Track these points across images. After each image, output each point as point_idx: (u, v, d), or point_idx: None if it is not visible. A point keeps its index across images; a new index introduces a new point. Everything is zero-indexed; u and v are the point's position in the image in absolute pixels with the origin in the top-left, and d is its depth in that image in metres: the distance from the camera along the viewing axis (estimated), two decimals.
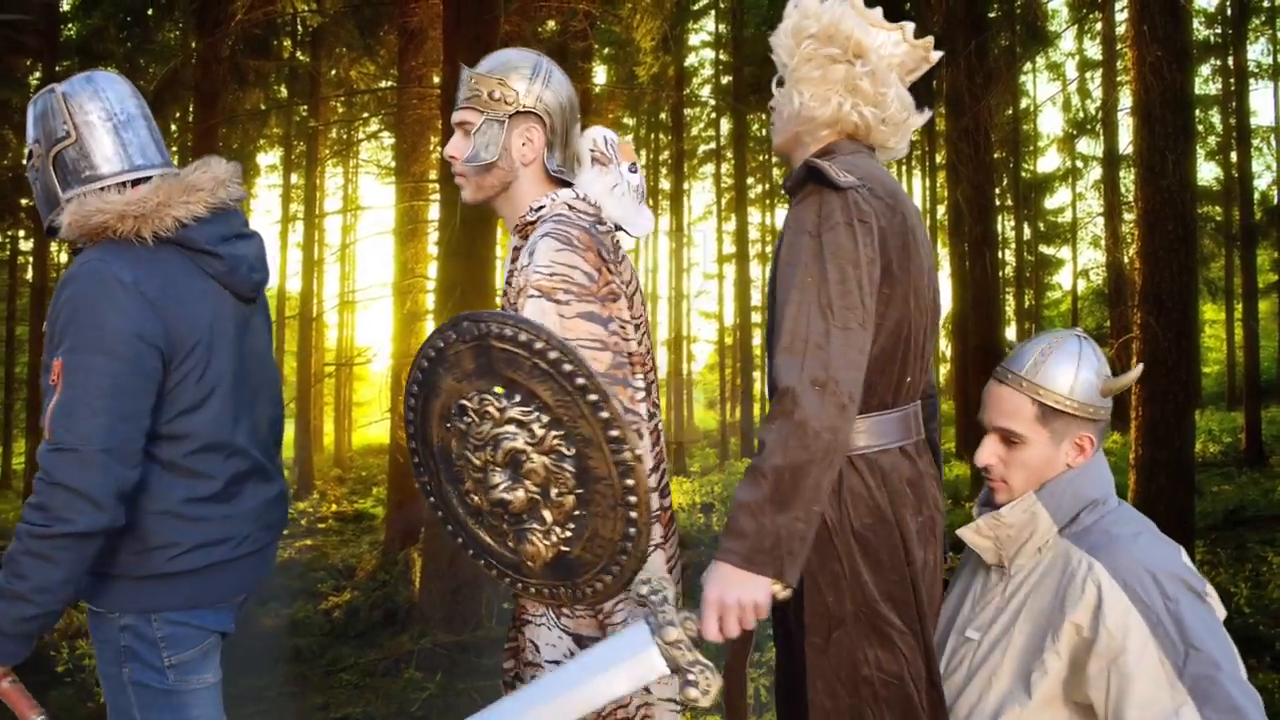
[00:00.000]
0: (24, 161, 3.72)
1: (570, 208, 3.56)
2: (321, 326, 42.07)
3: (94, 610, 3.53)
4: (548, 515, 3.00)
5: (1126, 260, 24.10)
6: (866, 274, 3.04)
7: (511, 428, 2.95)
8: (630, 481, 2.89)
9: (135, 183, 3.57)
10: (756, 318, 41.52)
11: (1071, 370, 3.38)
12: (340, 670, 11.49)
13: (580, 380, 2.82)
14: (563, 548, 3.04)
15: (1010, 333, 39.24)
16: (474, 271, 12.09)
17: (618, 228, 3.82)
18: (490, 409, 2.97)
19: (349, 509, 28.16)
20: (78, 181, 3.55)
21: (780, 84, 3.46)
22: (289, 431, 29.46)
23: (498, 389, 2.97)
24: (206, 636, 3.60)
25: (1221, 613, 3.22)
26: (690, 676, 2.87)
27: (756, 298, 43.97)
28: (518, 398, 2.93)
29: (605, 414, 2.84)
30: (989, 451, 3.46)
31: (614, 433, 2.84)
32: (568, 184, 3.71)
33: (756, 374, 43.86)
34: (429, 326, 17.17)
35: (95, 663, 3.62)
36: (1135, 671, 3.03)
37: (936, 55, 3.49)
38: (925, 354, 3.39)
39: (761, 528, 2.86)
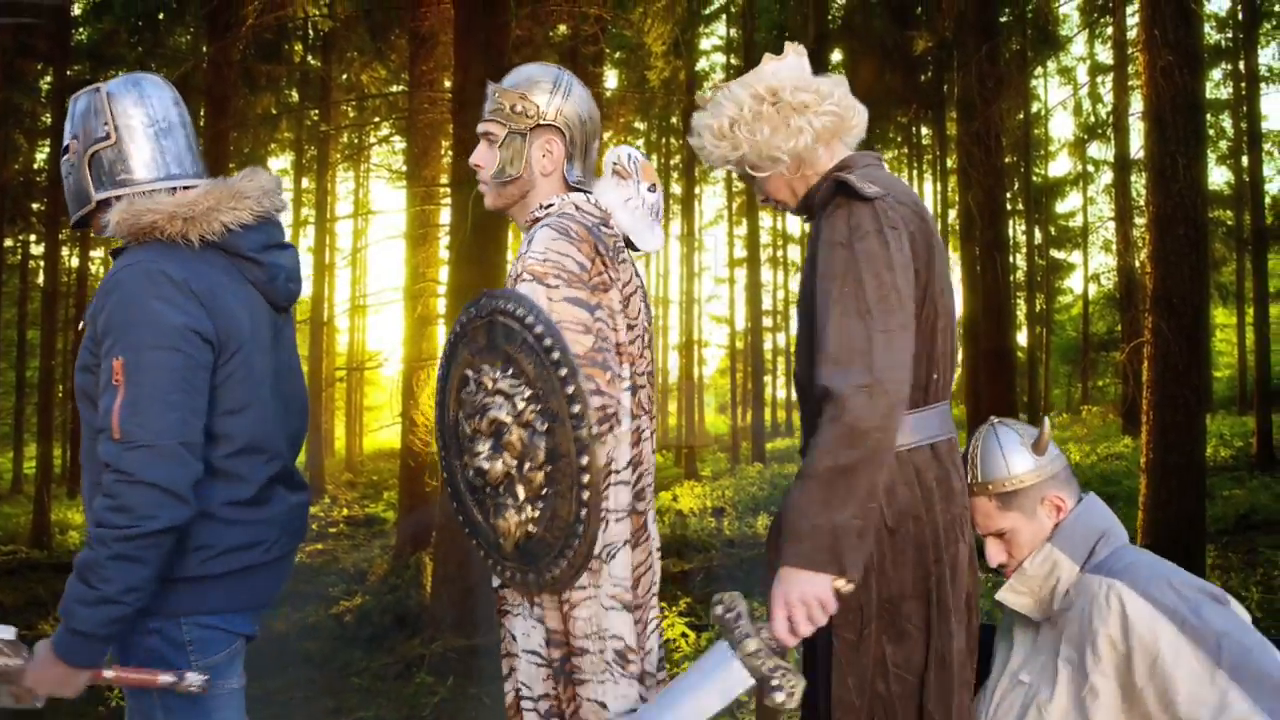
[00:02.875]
0: (61, 155, 3.75)
1: (577, 208, 3.67)
2: (332, 331, 42.08)
3: None
4: (520, 491, 3.12)
5: (1138, 264, 24.11)
6: (902, 276, 3.14)
7: (499, 398, 3.11)
8: (584, 460, 2.99)
9: (179, 189, 3.63)
10: (768, 322, 41.49)
11: (998, 455, 3.65)
12: (351, 674, 11.51)
13: (555, 355, 3.00)
14: (530, 528, 3.15)
15: (1021, 337, 39.22)
16: (485, 276, 12.10)
17: (628, 242, 3.89)
18: (485, 379, 3.13)
19: (360, 513, 28.27)
20: (111, 184, 3.60)
21: (751, 178, 3.64)
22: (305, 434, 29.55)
23: (496, 362, 3.13)
24: (233, 640, 3.62)
25: (1245, 616, 3.37)
26: (774, 682, 3.01)
27: (768, 302, 43.93)
28: (510, 370, 3.10)
29: (571, 389, 2.97)
30: (993, 553, 3.71)
31: (575, 409, 2.98)
32: (584, 192, 3.81)
33: (767, 379, 43.76)
34: (440, 331, 17.22)
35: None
36: (1174, 670, 3.14)
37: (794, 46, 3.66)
38: (950, 354, 3.46)
39: (817, 528, 2.98)
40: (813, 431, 3.24)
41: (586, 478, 2.99)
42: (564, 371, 2.98)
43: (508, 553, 3.23)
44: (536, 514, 3.12)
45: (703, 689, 3.08)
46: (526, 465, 3.08)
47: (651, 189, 3.97)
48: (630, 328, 3.69)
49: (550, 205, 3.68)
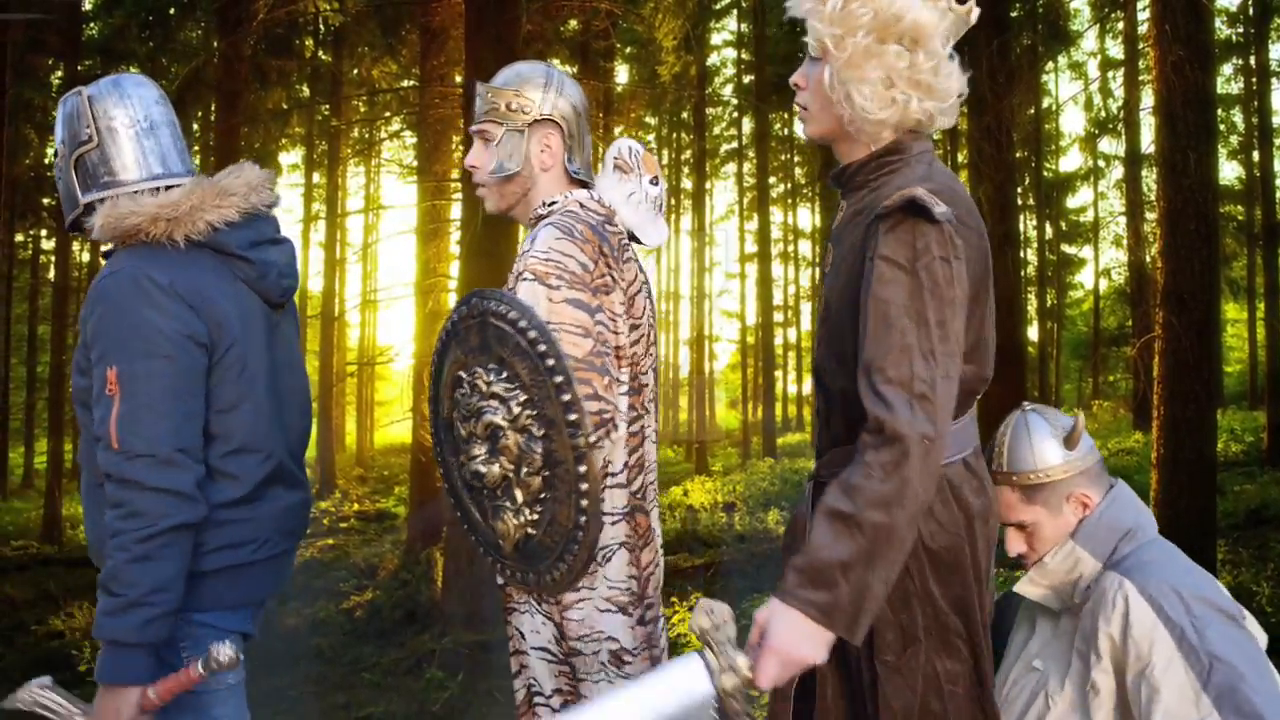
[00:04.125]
0: (53, 159, 3.78)
1: (582, 205, 3.66)
2: (343, 326, 42.14)
3: None
4: (518, 494, 3.11)
5: (1148, 259, 24.06)
6: (959, 313, 2.97)
7: (494, 402, 3.07)
8: (582, 468, 2.97)
9: (163, 189, 3.64)
10: (779, 317, 41.35)
11: (1026, 446, 3.53)
12: (362, 669, 11.51)
13: (550, 361, 2.94)
14: (529, 530, 3.13)
15: (1032, 332, 39.14)
16: (496, 271, 12.07)
17: (631, 236, 3.86)
18: (479, 382, 3.09)
19: (371, 508, 28.22)
20: (96, 186, 3.63)
21: (812, 60, 3.20)
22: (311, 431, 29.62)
23: (489, 364, 3.08)
24: (225, 637, 3.58)
25: (1263, 639, 3.28)
26: None
27: (779, 297, 43.87)
28: (504, 374, 3.04)
29: (567, 396, 2.93)
30: (1012, 543, 3.61)
31: (572, 416, 2.94)
32: (585, 185, 3.81)
33: (779, 374, 43.61)
34: None
35: None
36: (1161, 683, 3.09)
37: (975, 15, 3.17)
38: (990, 364, 3.28)
39: (848, 584, 2.73)
40: (843, 436, 3.19)
41: (585, 485, 2.97)
42: (559, 379, 2.93)
43: (507, 553, 3.23)
44: (535, 517, 3.11)
45: (665, 703, 2.76)
46: (524, 470, 3.07)
47: (654, 181, 3.93)
48: (634, 328, 3.70)
49: (554, 203, 3.68)
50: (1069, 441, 3.52)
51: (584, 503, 2.98)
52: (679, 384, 50.17)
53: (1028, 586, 3.55)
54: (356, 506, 28.73)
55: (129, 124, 3.66)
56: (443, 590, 13.00)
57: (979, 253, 3.13)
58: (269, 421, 3.73)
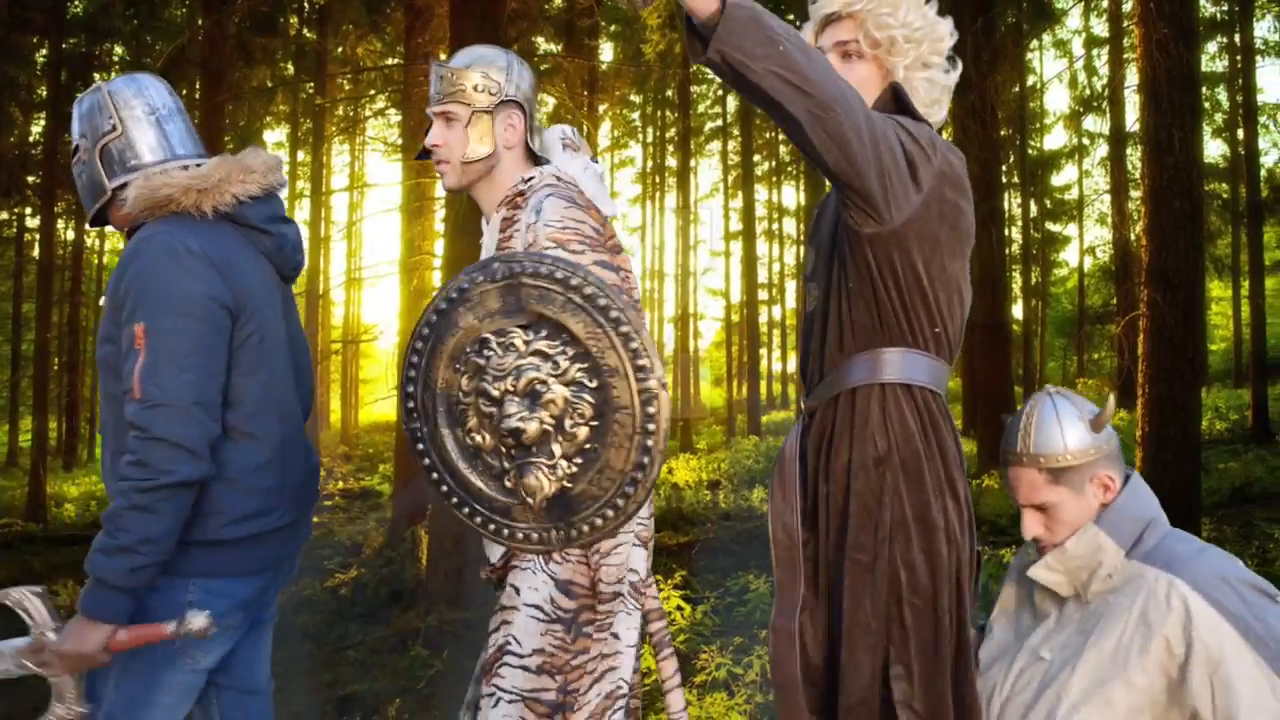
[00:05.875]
0: (71, 158, 3.93)
1: (558, 179, 3.74)
2: (328, 304, 42.04)
3: None
4: (557, 449, 3.17)
5: (1133, 237, 24.08)
6: None
7: (535, 359, 3.13)
8: (652, 409, 3.10)
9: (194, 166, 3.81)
10: (764, 295, 41.27)
11: (1056, 428, 3.55)
12: (347, 648, 11.50)
13: (614, 313, 3.06)
14: (566, 483, 3.20)
15: (1017, 310, 39.19)
16: (481, 248, 12.06)
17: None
18: (516, 341, 3.15)
19: (356, 486, 28.23)
20: (123, 170, 3.78)
21: (845, 57, 3.47)
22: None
23: (522, 324, 3.17)
24: (226, 612, 3.67)
25: None
26: None
27: (763, 275, 43.78)
28: (544, 331, 3.14)
29: (635, 344, 3.07)
30: (1031, 525, 3.62)
31: (642, 361, 3.07)
32: (543, 162, 3.90)
33: (763, 351, 43.59)
34: None
35: None
36: (1237, 677, 3.11)
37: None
38: (958, 317, 3.45)
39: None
40: (830, 358, 3.44)
41: (653, 426, 3.09)
42: (625, 328, 3.07)
43: (531, 512, 3.27)
44: (574, 469, 3.18)
45: None
46: (568, 422, 3.14)
47: (594, 159, 4.03)
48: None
49: (531, 179, 3.75)
50: (1096, 424, 3.55)
51: (649, 442, 3.09)
52: (663, 362, 50.10)
53: (1042, 571, 3.55)
54: (341, 484, 28.76)
55: (148, 111, 3.83)
56: (427, 568, 13.00)
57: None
58: (286, 389, 3.89)
